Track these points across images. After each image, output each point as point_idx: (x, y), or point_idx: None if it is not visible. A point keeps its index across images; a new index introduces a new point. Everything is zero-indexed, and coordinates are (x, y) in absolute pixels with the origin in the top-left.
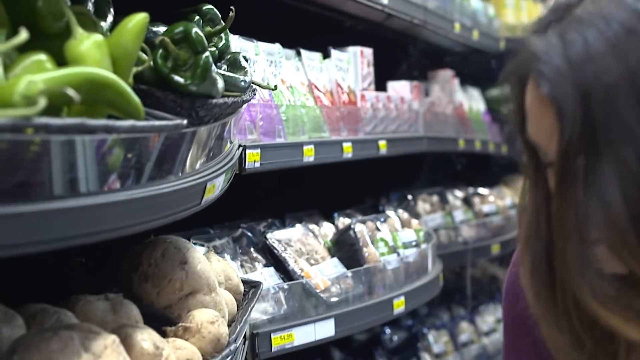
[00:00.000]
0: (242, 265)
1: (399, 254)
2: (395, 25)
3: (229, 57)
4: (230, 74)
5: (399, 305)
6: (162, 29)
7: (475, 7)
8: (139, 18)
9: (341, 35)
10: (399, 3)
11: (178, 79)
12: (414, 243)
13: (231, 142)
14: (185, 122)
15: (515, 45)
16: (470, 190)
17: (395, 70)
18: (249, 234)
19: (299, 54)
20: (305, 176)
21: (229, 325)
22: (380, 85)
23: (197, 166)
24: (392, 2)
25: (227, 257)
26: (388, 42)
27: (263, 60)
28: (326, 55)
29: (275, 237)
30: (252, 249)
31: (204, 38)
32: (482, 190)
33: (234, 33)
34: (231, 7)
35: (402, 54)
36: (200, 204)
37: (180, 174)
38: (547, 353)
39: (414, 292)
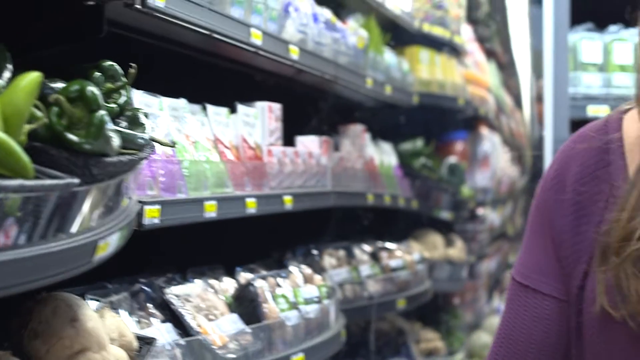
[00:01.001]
0: (139, 321)
1: (299, 310)
2: (306, 80)
3: (129, 113)
4: (129, 131)
5: None
6: (60, 85)
7: (389, 62)
8: (32, 77)
9: (252, 89)
10: (309, 59)
11: (72, 137)
12: (315, 299)
13: (129, 199)
14: (77, 180)
15: (428, 100)
16: (378, 244)
17: (305, 124)
18: (147, 289)
19: (204, 108)
20: (210, 231)
21: None
22: (291, 140)
23: (91, 224)
24: (302, 58)
25: (124, 312)
26: (299, 96)
27: (167, 116)
28: (234, 110)
29: (174, 292)
30: (150, 305)
31: (99, 97)
32: (389, 245)
33: (138, 88)
34: (131, 63)
35: (313, 108)
36: (91, 262)
37: (71, 232)
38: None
39: (314, 348)
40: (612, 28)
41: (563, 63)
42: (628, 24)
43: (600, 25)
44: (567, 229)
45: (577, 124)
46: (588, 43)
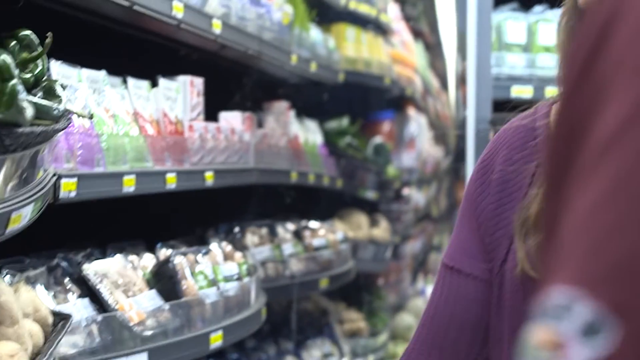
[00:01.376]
0: (55, 296)
1: (219, 288)
2: (229, 55)
3: (44, 84)
4: (44, 102)
5: (216, 340)
6: None
7: (315, 39)
8: None
9: (174, 63)
10: (232, 33)
11: None
12: (235, 276)
13: (44, 171)
14: None
15: (354, 78)
16: (302, 223)
17: (228, 100)
18: (65, 264)
19: (125, 81)
20: (133, 206)
21: (34, 358)
22: (213, 116)
23: (3, 195)
24: (225, 33)
25: (41, 287)
26: (222, 71)
27: (86, 88)
28: (155, 84)
29: (92, 268)
30: (67, 280)
31: (11, 66)
32: (313, 224)
33: (57, 59)
34: (48, 32)
35: (237, 84)
36: (4, 233)
37: None
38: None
39: (233, 327)
40: (537, 8)
41: (486, 43)
42: (553, 4)
43: (525, 5)
44: (491, 209)
45: (501, 104)
46: (513, 23)
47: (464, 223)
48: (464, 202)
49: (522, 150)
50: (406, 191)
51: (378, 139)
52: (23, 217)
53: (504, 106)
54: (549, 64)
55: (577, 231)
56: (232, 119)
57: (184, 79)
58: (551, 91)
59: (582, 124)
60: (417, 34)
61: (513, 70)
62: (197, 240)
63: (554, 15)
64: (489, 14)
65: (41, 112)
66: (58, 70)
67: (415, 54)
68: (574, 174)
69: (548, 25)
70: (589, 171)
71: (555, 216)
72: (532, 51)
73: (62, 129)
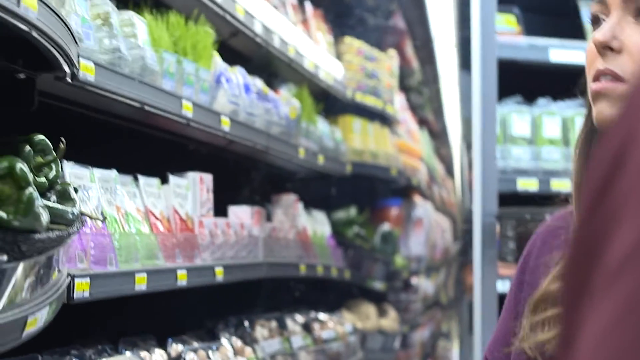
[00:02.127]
0: None
1: None
2: (238, 150)
3: (58, 187)
4: (58, 206)
5: None
6: None
7: (322, 131)
8: None
9: (184, 158)
10: (241, 129)
11: (1, 213)
12: None
13: (59, 272)
14: (5, 257)
15: (361, 169)
16: (311, 315)
17: (237, 194)
18: None
19: (136, 179)
20: (143, 301)
21: None
22: (222, 209)
23: (20, 298)
24: (234, 129)
25: None
26: (231, 165)
27: (98, 188)
28: (165, 181)
29: None
30: None
31: (28, 174)
32: (322, 316)
33: (69, 159)
34: (61, 138)
35: (245, 178)
36: (21, 337)
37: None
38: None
39: None
40: (541, 101)
41: (492, 136)
42: (556, 97)
43: (529, 98)
44: (524, 297)
45: (507, 197)
46: (517, 116)
47: (505, 317)
48: (508, 296)
49: (552, 247)
50: (414, 280)
51: (386, 226)
52: (39, 320)
53: (509, 199)
54: (554, 156)
55: (589, 356)
56: (241, 214)
57: (193, 176)
58: (557, 184)
59: (595, 248)
60: (422, 121)
61: (518, 163)
62: (207, 334)
63: (558, 108)
64: (494, 108)
65: (56, 216)
66: (70, 171)
67: (421, 142)
68: (588, 297)
69: (552, 118)
70: (601, 294)
71: (570, 338)
72: (537, 144)
73: (76, 232)
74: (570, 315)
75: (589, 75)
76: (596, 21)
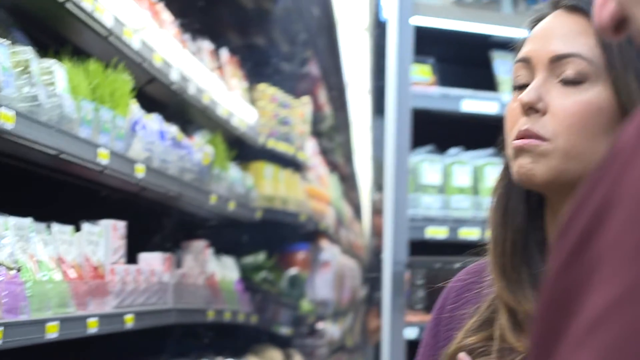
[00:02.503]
0: None
1: None
2: (151, 196)
3: None
4: None
5: None
6: None
7: (234, 177)
8: None
9: (97, 205)
10: (155, 176)
11: None
12: None
13: None
14: None
15: (271, 215)
16: None
17: (149, 240)
18: None
19: (49, 227)
20: (53, 351)
21: None
22: (134, 255)
23: None
24: (148, 176)
25: None
26: (143, 212)
27: (13, 236)
28: (79, 228)
29: None
30: None
31: None
32: None
33: None
34: None
35: (157, 224)
36: None
37: None
38: None
39: None
40: (452, 151)
41: (403, 185)
42: (467, 147)
43: (441, 147)
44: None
45: (416, 245)
46: (429, 165)
47: None
48: (423, 347)
49: (467, 296)
50: (321, 325)
51: (293, 270)
52: None
53: (419, 247)
54: (463, 205)
55: None
56: (152, 260)
57: (106, 223)
58: (465, 232)
59: (571, 300)
60: (332, 166)
61: (428, 212)
62: None
63: (469, 158)
64: (406, 157)
65: None
66: None
67: (330, 186)
68: (561, 349)
69: (463, 167)
70: (576, 347)
71: None
72: (447, 192)
73: None
74: None
75: (511, 133)
76: (520, 80)
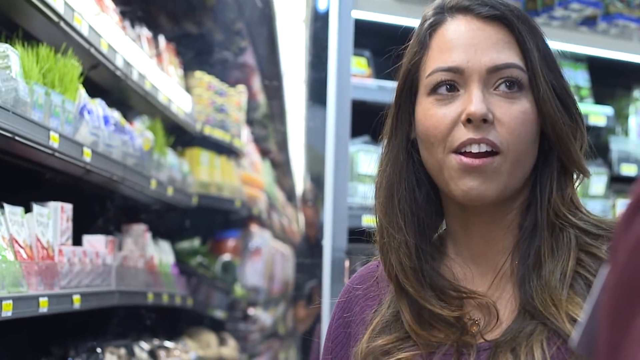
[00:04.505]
0: None
1: None
2: (95, 180)
3: None
4: None
5: None
6: None
7: (172, 163)
8: None
9: (44, 188)
10: (100, 161)
11: None
12: None
13: None
14: None
15: (207, 201)
16: (157, 343)
17: (93, 223)
18: None
19: (2, 207)
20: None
21: None
22: (78, 239)
23: None
24: (94, 160)
25: None
26: (87, 195)
27: None
28: (29, 210)
29: None
30: None
31: None
32: (168, 344)
33: None
34: None
35: (101, 208)
36: None
37: None
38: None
39: None
40: None
41: (344, 174)
42: None
43: (376, 138)
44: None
45: (353, 232)
46: (365, 155)
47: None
48: (328, 347)
49: (366, 295)
50: (252, 311)
51: (226, 256)
52: None
53: (357, 234)
54: None
55: None
56: (96, 242)
57: (55, 205)
58: None
59: None
60: (265, 152)
61: (364, 200)
62: None
63: None
64: (346, 147)
65: None
66: None
67: (263, 172)
68: (632, 342)
69: None
70: None
71: None
72: None
73: None
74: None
75: (443, 142)
76: (445, 88)
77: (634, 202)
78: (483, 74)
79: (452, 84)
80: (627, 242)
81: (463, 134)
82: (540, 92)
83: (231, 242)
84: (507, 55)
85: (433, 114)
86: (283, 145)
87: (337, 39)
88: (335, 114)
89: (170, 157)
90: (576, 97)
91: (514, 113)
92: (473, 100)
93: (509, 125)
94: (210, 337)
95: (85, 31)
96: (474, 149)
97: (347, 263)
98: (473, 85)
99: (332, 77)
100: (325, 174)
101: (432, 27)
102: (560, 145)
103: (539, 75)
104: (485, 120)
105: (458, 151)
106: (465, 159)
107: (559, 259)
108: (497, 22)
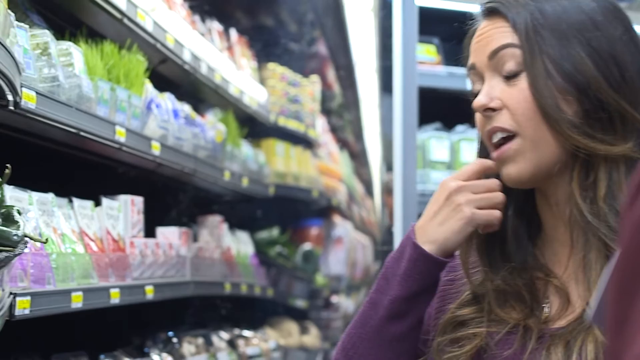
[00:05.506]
0: None
1: None
2: (166, 173)
3: (3, 210)
4: (4, 228)
5: None
6: None
7: (246, 154)
8: None
9: (115, 181)
10: (170, 153)
11: None
12: None
13: (2, 290)
14: None
15: (284, 191)
16: (236, 332)
17: (166, 215)
18: None
19: (71, 202)
20: (76, 320)
21: None
22: (151, 230)
23: None
24: (163, 153)
25: None
26: (159, 188)
27: (36, 210)
28: (99, 203)
29: None
30: None
31: None
32: (246, 333)
33: (9, 183)
34: (7, 164)
35: (173, 200)
36: None
37: None
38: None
39: None
40: (459, 128)
41: (412, 161)
42: (474, 124)
43: (448, 125)
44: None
45: None
46: (436, 142)
47: None
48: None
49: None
50: (335, 299)
51: (307, 245)
52: None
53: None
54: None
55: None
56: (169, 234)
57: (125, 199)
58: None
59: None
60: (343, 143)
61: (437, 187)
62: (136, 350)
63: (476, 134)
64: (414, 134)
65: (2, 238)
66: (11, 194)
67: (341, 163)
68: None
69: (470, 143)
70: None
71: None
72: (455, 168)
73: (21, 253)
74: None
75: (485, 139)
76: (476, 88)
77: (637, 180)
78: (486, 62)
79: (477, 81)
80: (631, 220)
81: (487, 126)
82: (534, 73)
83: (314, 231)
84: (505, 37)
85: (476, 116)
86: (359, 135)
87: (401, 26)
88: (401, 101)
89: (245, 148)
90: None
91: (514, 93)
92: (478, 95)
93: (511, 106)
94: (292, 326)
95: (149, 27)
96: (494, 139)
97: None
98: (485, 77)
99: (398, 65)
100: (394, 161)
101: (469, 38)
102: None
103: (533, 43)
104: (492, 109)
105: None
106: (493, 152)
107: None
108: (497, 14)
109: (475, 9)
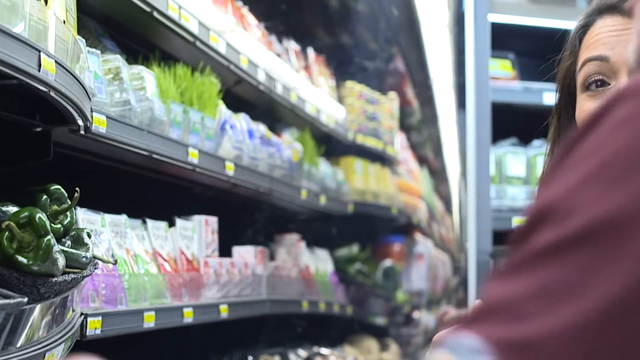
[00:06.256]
0: None
1: None
2: (242, 193)
3: (73, 233)
4: (73, 251)
5: None
6: (11, 209)
7: (324, 173)
8: None
9: (190, 201)
10: (244, 174)
11: (22, 259)
12: None
13: (73, 311)
14: (25, 299)
15: (363, 208)
16: (313, 350)
17: (242, 234)
18: None
19: (144, 223)
20: (149, 339)
21: None
22: (227, 249)
23: (37, 337)
24: (238, 173)
25: None
26: (235, 207)
27: (109, 232)
28: (173, 224)
29: None
30: None
31: (46, 223)
32: (324, 351)
33: (82, 206)
34: (76, 187)
35: (249, 219)
36: None
37: (19, 346)
38: None
39: None
40: (536, 143)
41: (485, 176)
42: None
43: (524, 140)
44: None
45: (502, 235)
46: (513, 157)
47: None
48: None
49: None
50: (416, 314)
51: (387, 262)
52: (55, 356)
53: (505, 237)
54: None
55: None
56: (245, 254)
57: (199, 219)
58: None
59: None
60: (422, 160)
61: (514, 202)
62: None
63: None
64: (487, 149)
65: (71, 260)
66: (83, 216)
67: (421, 180)
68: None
69: None
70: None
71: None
72: (532, 183)
73: (89, 275)
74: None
75: None
76: (595, 81)
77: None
78: (628, 61)
79: (602, 79)
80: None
81: None
82: None
83: (396, 247)
84: None
85: (586, 109)
86: (438, 151)
87: (473, 42)
88: (475, 116)
89: (323, 166)
90: None
91: None
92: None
93: None
94: (372, 343)
95: (222, 49)
96: None
97: (492, 265)
98: (622, 77)
99: (470, 81)
100: (467, 177)
101: (583, 29)
102: None
103: None
104: None
105: None
106: None
107: None
108: (622, 13)
109: (547, 23)
